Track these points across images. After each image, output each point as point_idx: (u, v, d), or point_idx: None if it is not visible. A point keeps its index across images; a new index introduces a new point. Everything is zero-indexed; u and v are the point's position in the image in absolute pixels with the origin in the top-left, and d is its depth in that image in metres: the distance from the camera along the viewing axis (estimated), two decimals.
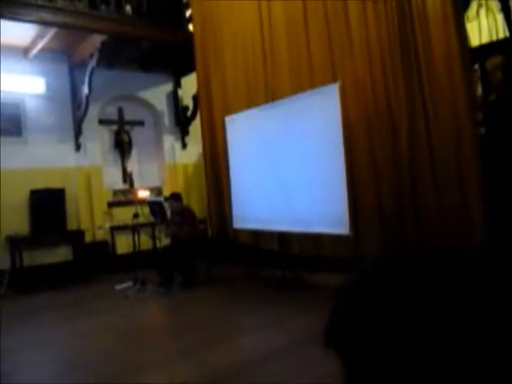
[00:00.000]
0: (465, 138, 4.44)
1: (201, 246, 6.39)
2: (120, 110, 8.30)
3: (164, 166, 8.71)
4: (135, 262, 6.30)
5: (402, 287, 0.45)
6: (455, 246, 0.49)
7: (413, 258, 0.48)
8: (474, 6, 5.58)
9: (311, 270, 5.74)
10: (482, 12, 5.62)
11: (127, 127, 8.39)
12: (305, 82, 5.79)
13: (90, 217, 7.60)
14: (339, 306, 0.50)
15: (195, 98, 8.25)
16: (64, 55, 7.48)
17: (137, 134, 8.49)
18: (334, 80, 5.30)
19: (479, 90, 5.02)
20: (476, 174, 4.39)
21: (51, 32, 6.51)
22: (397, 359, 0.43)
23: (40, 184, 6.94)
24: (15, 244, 6.71)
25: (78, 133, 7.58)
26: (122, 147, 8.31)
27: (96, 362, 3.61)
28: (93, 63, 6.90)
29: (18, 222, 6.86)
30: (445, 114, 4.56)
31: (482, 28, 5.60)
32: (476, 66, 4.99)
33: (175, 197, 6.48)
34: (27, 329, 4.68)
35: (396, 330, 0.44)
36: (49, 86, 7.33)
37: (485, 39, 5.54)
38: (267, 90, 6.33)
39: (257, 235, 6.64)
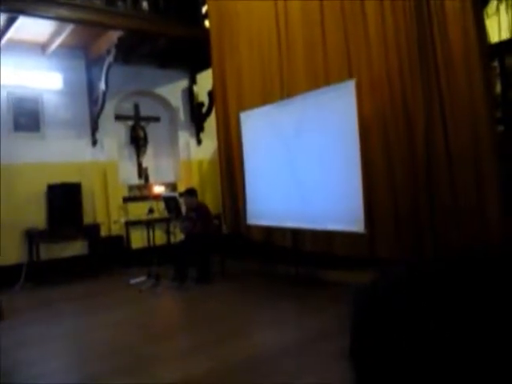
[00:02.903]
0: (483, 136, 4.37)
1: (215, 241, 6.42)
2: (136, 106, 8.36)
3: (179, 161, 8.75)
4: (150, 257, 6.35)
5: (429, 302, 0.44)
6: (471, 256, 0.47)
7: (432, 272, 0.47)
8: (494, 2, 5.48)
9: (325, 267, 5.72)
10: (503, 7, 5.52)
11: (143, 123, 8.45)
12: (320, 78, 5.76)
13: (105, 211, 7.68)
14: (364, 321, 0.47)
15: (210, 95, 8.26)
16: (81, 51, 7.55)
17: (152, 129, 8.55)
18: (349, 77, 5.26)
19: (498, 87, 4.94)
20: (493, 173, 4.32)
21: (69, 28, 6.58)
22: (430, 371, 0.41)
23: (57, 178, 7.04)
24: (33, 237, 6.82)
25: (94, 128, 7.65)
26: (138, 143, 8.38)
27: (110, 355, 3.65)
28: (109, 59, 6.96)
29: (36, 216, 6.97)
30: (462, 112, 4.49)
31: (502, 24, 5.50)
32: (495, 63, 4.90)
33: (190, 192, 6.52)
34: (44, 321, 4.76)
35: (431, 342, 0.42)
36: (66, 81, 7.41)
37: (505, 35, 5.44)
38: (282, 87, 6.31)
39: (270, 232, 6.64)
